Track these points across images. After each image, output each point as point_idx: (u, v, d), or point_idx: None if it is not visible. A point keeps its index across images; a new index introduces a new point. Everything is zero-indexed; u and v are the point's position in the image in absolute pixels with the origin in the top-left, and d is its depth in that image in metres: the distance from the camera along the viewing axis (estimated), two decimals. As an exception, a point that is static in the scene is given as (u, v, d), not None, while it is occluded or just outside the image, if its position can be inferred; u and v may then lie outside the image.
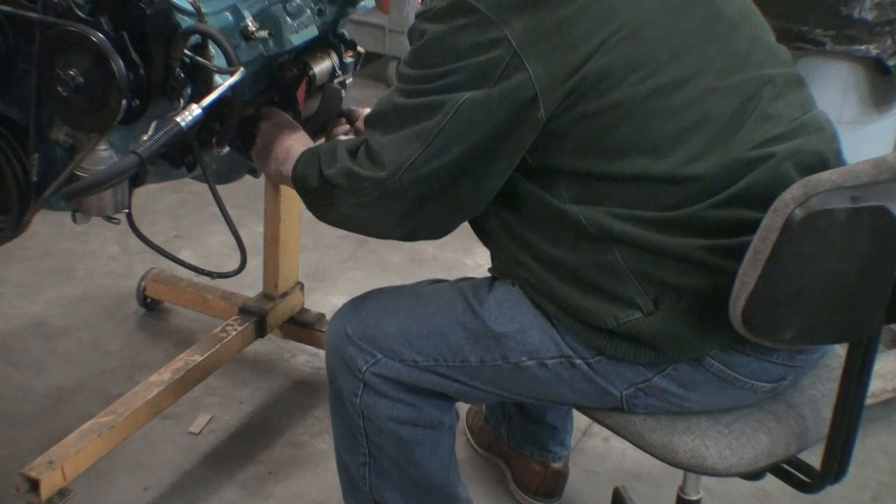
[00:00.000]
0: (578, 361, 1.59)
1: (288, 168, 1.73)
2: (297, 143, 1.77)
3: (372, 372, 1.68)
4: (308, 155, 1.70)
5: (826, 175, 1.39)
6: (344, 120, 2.02)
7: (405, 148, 1.53)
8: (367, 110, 2.03)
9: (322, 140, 2.02)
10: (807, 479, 1.62)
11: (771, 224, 1.39)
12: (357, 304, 1.75)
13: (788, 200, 1.37)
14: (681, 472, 1.73)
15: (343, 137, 2.00)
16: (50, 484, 1.95)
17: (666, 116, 1.50)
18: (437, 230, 1.64)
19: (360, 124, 2.01)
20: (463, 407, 2.04)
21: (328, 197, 1.63)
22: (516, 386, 1.66)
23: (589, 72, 1.46)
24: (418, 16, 1.56)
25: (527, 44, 1.45)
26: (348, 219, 1.65)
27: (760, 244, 1.40)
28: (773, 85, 1.57)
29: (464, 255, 3.13)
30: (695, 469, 1.60)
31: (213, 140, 1.74)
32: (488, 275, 1.73)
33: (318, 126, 1.99)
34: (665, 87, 1.49)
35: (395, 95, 1.57)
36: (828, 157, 1.56)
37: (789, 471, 1.64)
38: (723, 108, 1.52)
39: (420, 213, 1.58)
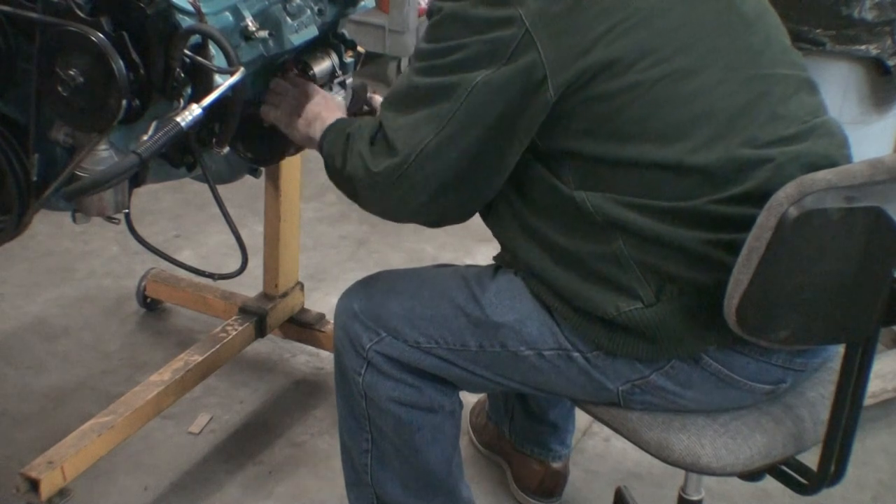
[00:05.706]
0: (576, 354, 1.60)
1: (315, 131, 1.75)
2: (326, 109, 1.79)
3: (375, 350, 1.70)
4: (335, 135, 1.71)
5: (821, 174, 1.39)
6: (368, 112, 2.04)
7: (418, 131, 1.55)
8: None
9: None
10: (804, 482, 1.62)
11: (765, 222, 1.38)
12: (366, 283, 1.76)
13: (782, 199, 1.37)
14: (681, 472, 1.73)
15: None
16: (50, 484, 1.95)
17: (673, 104, 1.50)
18: (461, 215, 1.67)
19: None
20: (467, 406, 2.03)
21: (352, 188, 1.65)
22: (514, 374, 1.67)
23: (598, 56, 1.47)
24: None
25: (539, 24, 1.47)
26: (373, 206, 1.66)
27: (755, 242, 1.40)
28: (786, 85, 1.58)
29: (464, 256, 3.12)
30: (689, 467, 1.60)
31: (213, 140, 1.74)
32: (493, 263, 1.74)
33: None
34: (674, 76, 1.50)
35: (412, 74, 1.59)
36: (837, 161, 1.55)
37: (787, 472, 1.64)
38: (730, 101, 1.52)
39: (442, 200, 1.60)
